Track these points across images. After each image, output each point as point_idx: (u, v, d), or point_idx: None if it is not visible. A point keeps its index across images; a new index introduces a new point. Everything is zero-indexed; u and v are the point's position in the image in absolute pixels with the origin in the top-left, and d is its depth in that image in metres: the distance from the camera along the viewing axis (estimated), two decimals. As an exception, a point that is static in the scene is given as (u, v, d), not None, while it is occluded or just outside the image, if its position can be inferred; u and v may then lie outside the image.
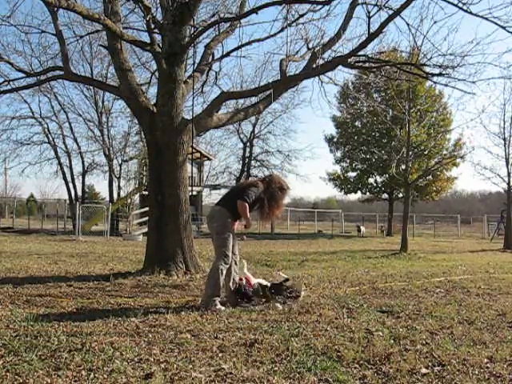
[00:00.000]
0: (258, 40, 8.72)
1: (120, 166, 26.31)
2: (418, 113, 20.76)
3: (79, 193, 28.67)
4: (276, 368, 2.91)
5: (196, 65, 8.35)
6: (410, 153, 15.61)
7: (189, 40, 7.44)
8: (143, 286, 6.00)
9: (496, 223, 27.00)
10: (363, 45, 7.25)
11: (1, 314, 4.20)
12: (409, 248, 13.84)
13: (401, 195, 26.87)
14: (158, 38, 7.69)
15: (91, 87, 23.86)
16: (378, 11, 7.22)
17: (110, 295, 5.34)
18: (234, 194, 4.98)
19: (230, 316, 4.29)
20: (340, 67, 7.91)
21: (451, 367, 2.96)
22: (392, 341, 3.53)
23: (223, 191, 31.55)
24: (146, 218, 15.42)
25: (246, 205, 4.77)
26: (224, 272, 4.78)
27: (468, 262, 10.72)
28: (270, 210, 4.97)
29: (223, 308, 4.60)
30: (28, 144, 26.53)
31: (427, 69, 7.88)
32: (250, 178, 30.83)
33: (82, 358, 2.99)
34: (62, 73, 7.98)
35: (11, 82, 8.21)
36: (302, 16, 8.37)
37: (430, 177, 27.56)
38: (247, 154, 30.94)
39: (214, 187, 29.62)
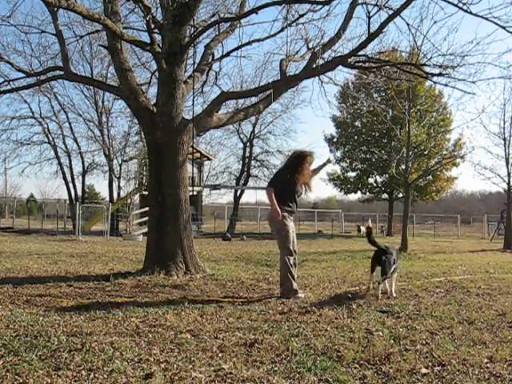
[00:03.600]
0: (258, 40, 8.72)
1: (120, 165, 26.31)
2: (418, 113, 20.77)
3: (79, 193, 28.69)
4: (276, 368, 2.91)
5: (196, 65, 8.35)
6: (410, 153, 15.59)
7: (189, 40, 7.44)
8: (143, 286, 6.00)
9: (496, 223, 26.99)
10: (363, 45, 7.24)
11: (1, 314, 4.20)
12: (409, 248, 13.85)
13: (401, 195, 26.84)
14: (158, 37, 7.69)
15: (91, 87, 23.85)
16: (378, 11, 7.20)
17: (109, 295, 5.34)
18: (285, 192, 5.42)
19: (230, 316, 4.29)
20: (340, 67, 7.90)
21: (451, 367, 2.96)
22: (392, 341, 3.53)
23: (223, 191, 31.60)
24: (146, 218, 15.42)
25: (269, 190, 5.30)
26: (292, 262, 5.31)
27: (468, 262, 10.72)
28: (294, 179, 5.43)
29: (303, 295, 5.26)
30: (28, 144, 26.52)
31: (427, 69, 7.87)
32: (249, 178, 30.92)
33: (82, 357, 2.99)
34: (62, 73, 7.97)
35: (11, 82, 8.20)
36: (301, 16, 8.36)
37: (430, 177, 27.55)
38: (247, 154, 30.86)
39: (214, 187, 29.59)
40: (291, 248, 5.31)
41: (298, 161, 5.53)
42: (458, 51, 7.51)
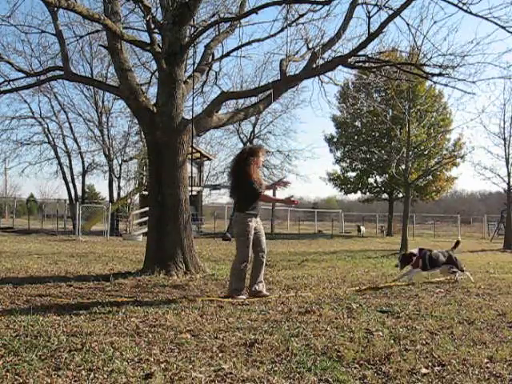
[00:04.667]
0: (258, 40, 8.72)
1: (120, 165, 26.32)
2: (418, 113, 20.76)
3: (79, 193, 28.69)
4: (276, 368, 2.91)
5: (196, 65, 8.34)
6: (410, 153, 15.60)
7: (189, 40, 7.44)
8: (143, 286, 6.00)
9: (496, 223, 27.01)
10: (363, 45, 7.24)
11: (1, 314, 4.21)
12: (409, 248, 13.83)
13: (401, 195, 26.85)
14: (158, 37, 7.69)
15: (91, 87, 23.86)
16: (378, 11, 7.22)
17: (109, 295, 5.34)
18: (242, 196, 5.36)
19: (230, 316, 4.29)
20: (340, 67, 7.91)
21: (451, 367, 2.96)
22: (392, 341, 3.53)
23: (223, 191, 31.57)
24: (146, 218, 15.42)
25: (264, 193, 5.31)
26: (245, 270, 5.35)
27: (468, 262, 10.71)
28: (254, 179, 5.27)
29: (244, 297, 5.21)
30: (28, 144, 26.55)
31: (427, 69, 7.87)
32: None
33: (82, 357, 2.99)
34: (62, 73, 7.97)
35: (11, 82, 8.21)
36: (301, 16, 8.37)
37: (430, 177, 27.56)
38: (247, 154, 30.82)
39: (214, 187, 29.60)
40: (247, 255, 5.29)
41: (253, 158, 5.30)
42: (458, 51, 7.53)
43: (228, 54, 8.59)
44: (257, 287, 5.40)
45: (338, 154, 30.97)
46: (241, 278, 5.35)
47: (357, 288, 6.10)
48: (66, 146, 27.27)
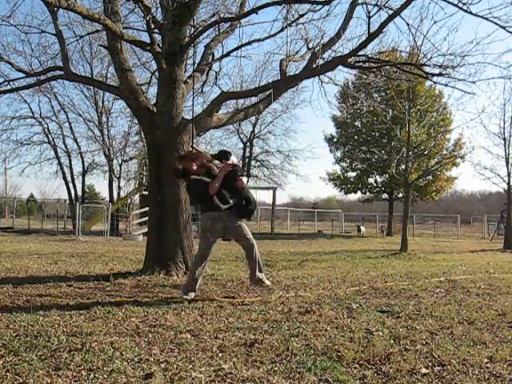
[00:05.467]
0: (258, 40, 8.73)
1: (120, 165, 26.28)
2: (418, 113, 20.77)
3: (79, 193, 28.67)
4: (276, 368, 2.91)
5: (196, 65, 8.35)
6: (410, 153, 15.59)
7: (189, 40, 7.44)
8: (143, 286, 6.00)
9: (496, 223, 26.99)
10: (363, 45, 7.24)
11: (1, 314, 4.21)
12: (409, 248, 13.84)
13: (401, 195, 26.85)
14: (158, 37, 7.70)
15: (91, 87, 23.83)
16: (378, 11, 7.22)
17: (109, 295, 5.34)
18: (198, 200, 5.67)
19: (230, 316, 4.29)
20: (340, 67, 7.91)
21: (451, 367, 2.96)
22: (392, 341, 3.53)
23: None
24: (146, 218, 15.41)
25: (210, 186, 5.27)
26: (202, 270, 5.44)
27: (468, 262, 10.72)
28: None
29: (189, 298, 5.06)
30: (28, 144, 26.49)
31: (427, 69, 7.88)
32: (249, 178, 30.86)
33: (82, 357, 2.99)
34: (62, 73, 7.97)
35: (11, 82, 8.21)
36: (301, 16, 8.37)
37: (430, 177, 27.54)
38: (247, 154, 30.90)
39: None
40: (205, 254, 5.31)
41: (190, 162, 5.51)
42: (458, 51, 7.54)
43: (228, 54, 8.60)
44: (258, 275, 5.38)
45: (338, 154, 30.95)
46: (193, 277, 5.30)
47: (357, 288, 6.11)
48: (66, 146, 27.25)
